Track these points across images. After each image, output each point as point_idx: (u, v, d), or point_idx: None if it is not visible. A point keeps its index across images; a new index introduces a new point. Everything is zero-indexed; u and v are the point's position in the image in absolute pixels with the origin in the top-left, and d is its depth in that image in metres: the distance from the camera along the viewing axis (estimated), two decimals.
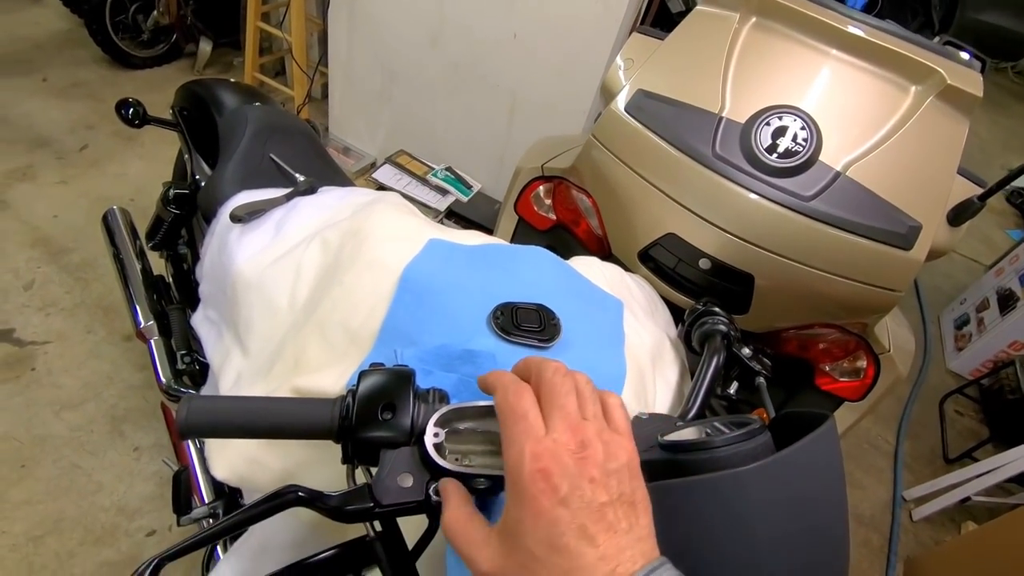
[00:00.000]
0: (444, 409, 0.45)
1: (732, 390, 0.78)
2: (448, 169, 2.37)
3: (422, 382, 0.52)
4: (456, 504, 0.40)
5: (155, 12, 2.61)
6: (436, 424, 0.44)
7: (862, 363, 1.11)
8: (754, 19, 0.94)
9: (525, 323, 0.63)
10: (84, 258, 1.90)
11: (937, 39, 1.27)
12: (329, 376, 0.65)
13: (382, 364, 0.50)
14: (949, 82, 0.85)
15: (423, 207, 2.28)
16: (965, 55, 1.19)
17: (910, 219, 0.82)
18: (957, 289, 2.84)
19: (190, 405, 0.45)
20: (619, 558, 0.32)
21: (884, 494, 2.00)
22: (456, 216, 2.30)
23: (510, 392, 0.38)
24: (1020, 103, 5.66)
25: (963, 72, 0.88)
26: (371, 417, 0.45)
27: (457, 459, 0.46)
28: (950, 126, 0.86)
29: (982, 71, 1.17)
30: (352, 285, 0.72)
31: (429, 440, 0.43)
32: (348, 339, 0.68)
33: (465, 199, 2.31)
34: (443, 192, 2.32)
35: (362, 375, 0.48)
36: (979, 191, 0.89)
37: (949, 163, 0.86)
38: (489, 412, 0.47)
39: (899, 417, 2.27)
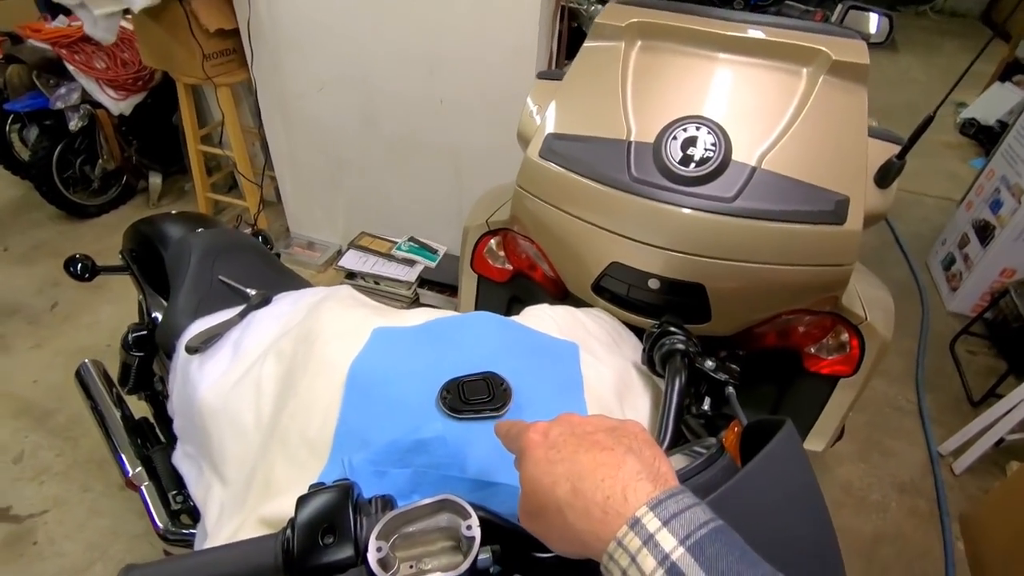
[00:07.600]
0: (384, 519, 0.43)
1: (706, 406, 0.76)
2: (411, 239, 2.40)
3: (376, 484, 0.50)
4: None
5: (100, 160, 2.67)
6: (378, 537, 0.42)
7: (845, 337, 1.09)
8: (639, 43, 0.97)
9: (473, 396, 0.62)
10: (69, 416, 1.88)
11: (840, 6, 1.30)
12: (291, 497, 0.63)
13: (322, 484, 0.49)
14: (835, 58, 0.87)
15: (394, 282, 2.29)
16: (873, 15, 1.21)
17: (835, 194, 0.83)
18: (936, 231, 2.84)
19: None
20: (622, 474, 0.35)
21: (920, 455, 1.94)
22: (429, 283, 2.31)
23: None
24: (947, 39, 5.82)
25: (847, 45, 0.90)
26: (312, 545, 0.43)
27: (412, 565, 0.44)
28: (848, 97, 0.88)
29: (891, 25, 1.19)
30: (306, 392, 0.72)
31: (372, 556, 0.41)
32: (308, 450, 0.67)
33: (433, 264, 2.33)
34: (411, 263, 2.33)
35: (300, 501, 0.47)
36: (897, 149, 0.90)
37: (857, 131, 0.87)
38: (438, 507, 0.45)
39: (914, 373, 2.23)
